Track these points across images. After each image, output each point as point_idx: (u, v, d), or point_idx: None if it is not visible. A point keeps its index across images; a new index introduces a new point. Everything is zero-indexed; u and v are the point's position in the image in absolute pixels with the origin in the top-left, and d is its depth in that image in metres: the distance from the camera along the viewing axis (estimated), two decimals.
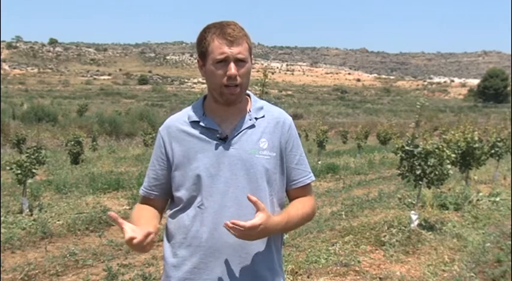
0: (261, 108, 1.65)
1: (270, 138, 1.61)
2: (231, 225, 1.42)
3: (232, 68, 1.51)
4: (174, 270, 1.58)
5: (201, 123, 1.59)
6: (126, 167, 12.79)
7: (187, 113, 1.64)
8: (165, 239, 1.66)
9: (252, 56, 1.62)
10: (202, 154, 1.56)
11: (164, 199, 1.68)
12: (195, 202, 1.55)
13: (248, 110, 1.63)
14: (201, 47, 1.57)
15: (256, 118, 1.62)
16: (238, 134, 1.58)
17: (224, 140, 1.57)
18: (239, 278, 1.54)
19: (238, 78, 1.53)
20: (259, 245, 1.56)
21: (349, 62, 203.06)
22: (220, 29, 1.53)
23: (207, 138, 1.57)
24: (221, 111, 1.60)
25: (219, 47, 1.52)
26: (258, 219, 1.44)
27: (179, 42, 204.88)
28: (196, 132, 1.59)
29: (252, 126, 1.60)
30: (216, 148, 1.56)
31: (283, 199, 1.68)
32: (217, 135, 1.57)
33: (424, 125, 22.45)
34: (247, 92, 1.66)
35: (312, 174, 1.72)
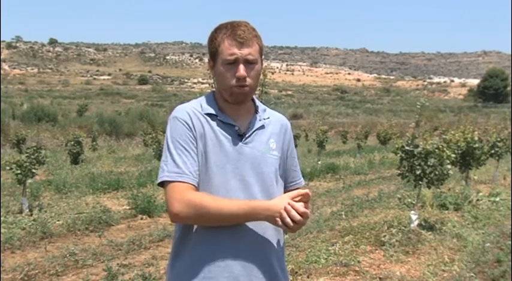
0: (265, 110, 1.70)
1: (277, 140, 1.66)
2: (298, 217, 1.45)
3: (241, 70, 1.52)
4: (191, 269, 1.55)
5: (219, 118, 1.59)
6: (126, 167, 12.79)
7: (199, 104, 1.62)
8: (177, 238, 1.61)
9: (263, 57, 1.62)
10: (219, 149, 1.56)
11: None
12: None
13: (255, 111, 1.66)
14: (212, 47, 1.58)
15: (264, 119, 1.66)
16: (252, 133, 1.60)
17: (241, 137, 1.58)
18: (257, 277, 1.55)
19: (247, 79, 1.54)
20: (274, 244, 1.60)
21: (349, 62, 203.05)
22: (231, 29, 1.54)
23: (224, 133, 1.57)
24: (232, 111, 1.61)
25: (228, 49, 1.53)
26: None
27: (179, 42, 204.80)
28: (213, 124, 1.58)
29: (262, 126, 1.64)
30: (233, 144, 1.57)
31: None
32: (236, 129, 1.58)
33: (424, 125, 22.46)
34: None
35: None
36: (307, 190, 1.49)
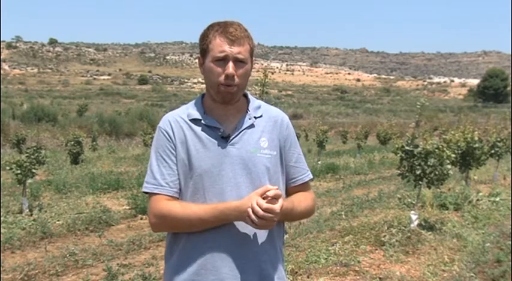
0: (259, 107, 1.66)
1: (270, 137, 1.62)
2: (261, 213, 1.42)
3: (230, 68, 1.51)
4: (179, 271, 1.56)
5: (203, 122, 1.58)
6: (126, 167, 12.79)
7: (186, 110, 1.63)
8: (167, 240, 1.64)
9: (253, 58, 1.61)
10: (204, 153, 1.55)
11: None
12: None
13: (247, 109, 1.63)
14: (203, 44, 1.57)
15: (255, 117, 1.62)
16: (239, 133, 1.58)
17: (226, 139, 1.56)
18: (246, 278, 1.53)
19: (235, 78, 1.52)
20: (265, 244, 1.57)
21: (349, 62, 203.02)
22: (223, 27, 1.54)
23: (208, 137, 1.56)
24: (220, 110, 1.60)
25: (219, 45, 1.52)
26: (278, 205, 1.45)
27: (179, 42, 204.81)
28: (197, 129, 1.57)
29: (252, 125, 1.60)
30: (218, 147, 1.55)
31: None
32: (220, 133, 1.56)
33: (424, 125, 22.46)
34: (244, 91, 1.65)
35: (310, 172, 1.74)
36: (273, 188, 1.45)
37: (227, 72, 1.51)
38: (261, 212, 1.41)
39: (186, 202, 1.55)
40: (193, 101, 1.67)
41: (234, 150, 1.56)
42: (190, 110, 1.62)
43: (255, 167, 1.56)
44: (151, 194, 1.57)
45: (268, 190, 1.45)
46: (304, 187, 1.71)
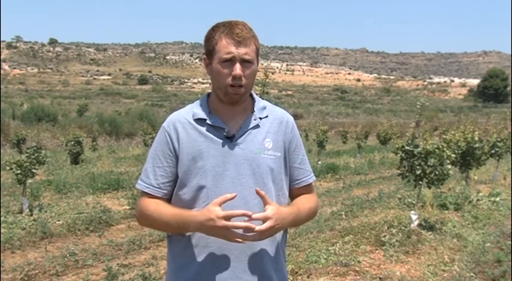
0: (264, 108, 1.66)
1: (275, 139, 1.62)
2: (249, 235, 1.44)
3: (238, 69, 1.51)
4: (181, 271, 1.57)
5: (208, 121, 1.57)
6: (126, 167, 12.79)
7: (191, 110, 1.62)
8: (168, 239, 1.65)
9: (259, 58, 1.61)
10: (208, 153, 1.54)
11: (170, 197, 1.63)
12: (199, 201, 1.54)
13: (252, 110, 1.63)
14: (209, 45, 1.56)
15: (260, 118, 1.62)
16: (244, 133, 1.58)
17: (231, 139, 1.56)
18: (247, 278, 1.54)
19: (243, 79, 1.52)
20: (266, 244, 1.57)
21: (349, 62, 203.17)
22: (229, 28, 1.53)
23: (213, 137, 1.56)
24: (226, 111, 1.60)
25: (226, 47, 1.51)
26: (269, 210, 1.44)
27: (179, 42, 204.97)
28: (202, 129, 1.57)
29: (257, 126, 1.60)
30: (223, 147, 1.55)
31: (287, 201, 1.69)
32: (224, 133, 1.56)
33: (424, 125, 22.46)
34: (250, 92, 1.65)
35: (313, 173, 1.74)
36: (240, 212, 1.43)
37: (234, 73, 1.51)
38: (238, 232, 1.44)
39: (164, 204, 1.57)
40: (198, 101, 1.67)
41: (239, 150, 1.55)
42: (196, 109, 1.62)
43: (258, 168, 1.56)
44: (141, 192, 1.62)
45: (226, 200, 1.44)
46: (307, 188, 1.71)
